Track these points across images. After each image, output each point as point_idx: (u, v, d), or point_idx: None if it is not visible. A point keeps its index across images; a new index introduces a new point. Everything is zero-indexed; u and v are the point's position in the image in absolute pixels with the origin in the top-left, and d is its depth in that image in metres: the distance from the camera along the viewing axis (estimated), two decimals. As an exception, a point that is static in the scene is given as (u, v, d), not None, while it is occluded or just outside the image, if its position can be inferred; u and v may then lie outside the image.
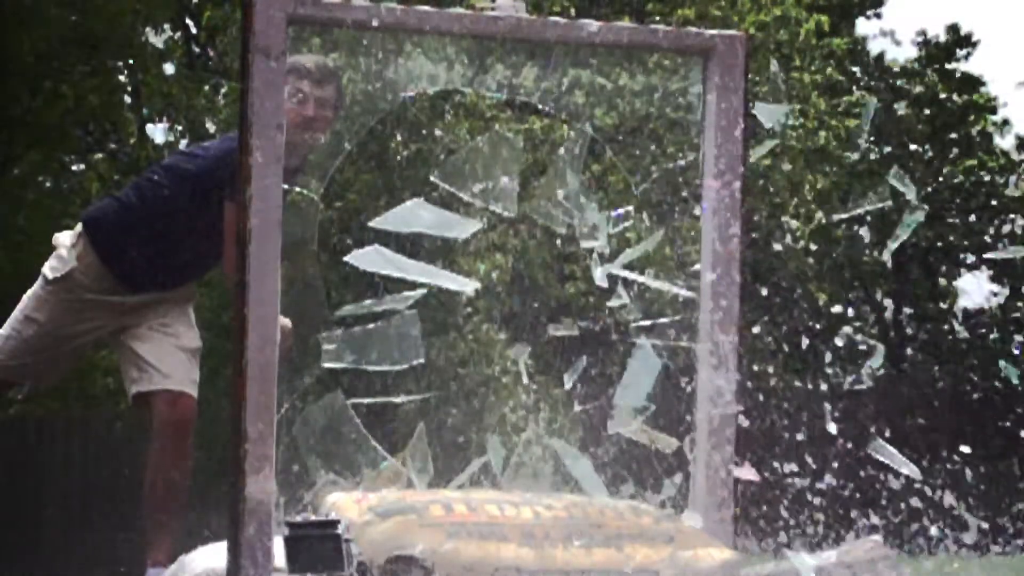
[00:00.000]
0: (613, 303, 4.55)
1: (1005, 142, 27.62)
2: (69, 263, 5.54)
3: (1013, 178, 26.63)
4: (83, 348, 5.72)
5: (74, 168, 20.87)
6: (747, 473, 4.34)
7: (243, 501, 4.04)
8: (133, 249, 5.49)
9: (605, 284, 4.48)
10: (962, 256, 27.07)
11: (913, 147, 25.88)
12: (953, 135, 26.37)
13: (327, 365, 4.46)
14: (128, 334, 5.53)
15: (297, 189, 4.65)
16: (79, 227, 5.59)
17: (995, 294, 27.49)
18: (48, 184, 19.90)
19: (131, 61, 18.79)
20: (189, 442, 5.40)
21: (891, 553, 4.12)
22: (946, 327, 26.65)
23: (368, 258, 4.42)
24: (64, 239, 5.61)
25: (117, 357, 5.71)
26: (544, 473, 4.64)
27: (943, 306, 27.26)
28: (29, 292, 5.62)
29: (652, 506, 4.44)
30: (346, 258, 4.36)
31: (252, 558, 4.03)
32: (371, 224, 4.42)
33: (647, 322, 4.49)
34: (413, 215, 4.49)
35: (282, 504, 4.22)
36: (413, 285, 4.47)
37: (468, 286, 4.55)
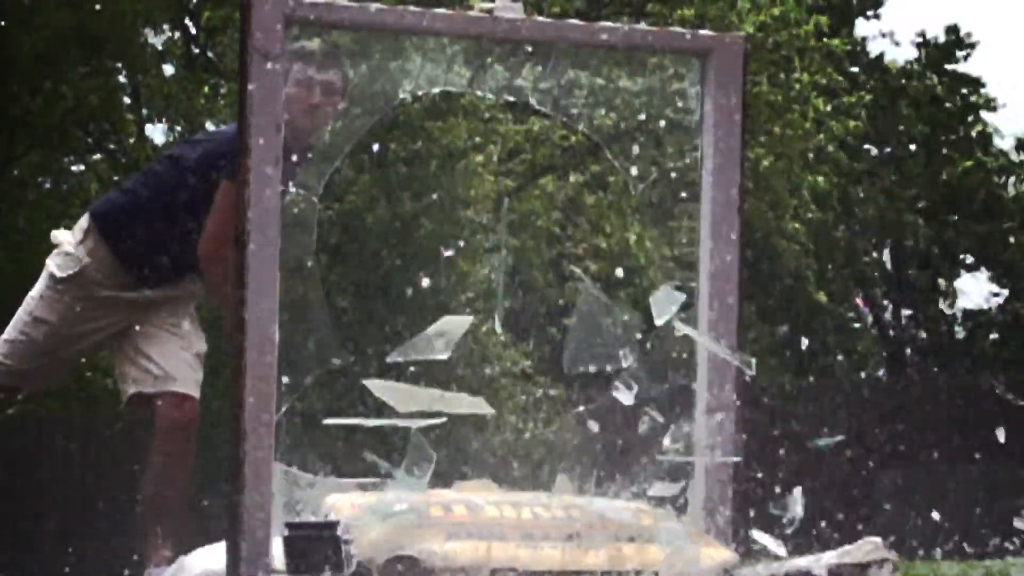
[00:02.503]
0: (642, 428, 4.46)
1: (1005, 142, 27.63)
2: (80, 260, 5.41)
3: (1012, 179, 26.61)
4: (91, 348, 5.61)
5: (74, 168, 20.85)
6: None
7: (243, 502, 4.04)
8: (146, 241, 5.35)
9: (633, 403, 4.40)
10: (962, 256, 27.06)
11: (913, 147, 25.88)
12: (953, 135, 26.38)
13: (329, 421, 4.43)
14: (135, 332, 5.41)
15: (294, 190, 4.63)
16: (84, 222, 5.45)
17: (995, 294, 27.48)
18: (48, 184, 19.90)
19: (131, 61, 18.78)
20: (191, 444, 5.37)
21: (890, 555, 4.12)
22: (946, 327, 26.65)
23: (384, 389, 4.38)
24: (66, 236, 5.46)
25: (113, 355, 5.59)
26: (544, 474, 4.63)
27: (943, 306, 27.26)
28: (32, 293, 5.48)
29: (652, 506, 4.44)
30: (364, 381, 4.32)
31: (251, 559, 4.03)
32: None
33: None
34: None
35: (282, 504, 4.22)
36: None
37: (483, 408, 4.48)
